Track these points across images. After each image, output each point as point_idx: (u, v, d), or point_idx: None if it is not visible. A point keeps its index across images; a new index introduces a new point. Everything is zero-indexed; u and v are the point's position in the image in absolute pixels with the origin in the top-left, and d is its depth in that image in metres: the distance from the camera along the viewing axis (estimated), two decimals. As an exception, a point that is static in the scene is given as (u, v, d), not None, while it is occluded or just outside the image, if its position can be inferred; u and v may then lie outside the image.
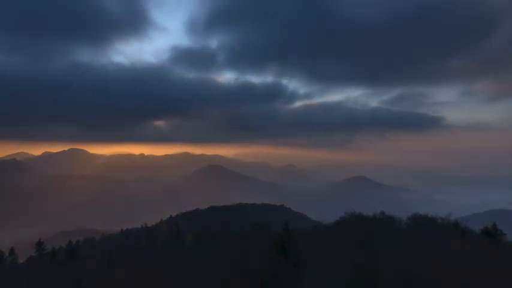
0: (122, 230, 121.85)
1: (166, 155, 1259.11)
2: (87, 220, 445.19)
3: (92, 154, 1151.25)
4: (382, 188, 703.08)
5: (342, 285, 31.45)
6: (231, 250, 41.91)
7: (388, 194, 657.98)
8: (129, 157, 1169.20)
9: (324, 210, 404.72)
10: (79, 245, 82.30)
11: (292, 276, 32.61)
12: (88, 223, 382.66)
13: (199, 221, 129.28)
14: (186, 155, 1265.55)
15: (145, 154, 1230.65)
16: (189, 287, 33.45)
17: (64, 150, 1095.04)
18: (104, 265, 46.52)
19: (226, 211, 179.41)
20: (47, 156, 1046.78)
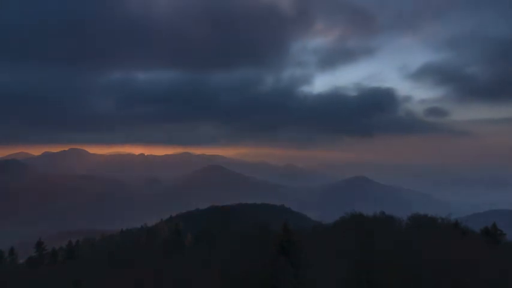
0: (121, 230, 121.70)
1: (166, 155, 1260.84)
2: (87, 220, 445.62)
3: (92, 154, 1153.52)
4: (382, 188, 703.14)
5: (342, 285, 31.46)
6: (231, 250, 41.90)
7: (388, 194, 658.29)
8: (129, 157, 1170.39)
9: (324, 210, 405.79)
10: (79, 245, 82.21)
11: (292, 276, 32.61)
12: (88, 223, 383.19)
13: (199, 221, 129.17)
14: (186, 155, 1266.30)
15: (145, 154, 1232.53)
16: (189, 287, 33.47)
17: (64, 150, 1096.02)
18: (104, 265, 46.50)
19: (226, 211, 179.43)
20: (47, 156, 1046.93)
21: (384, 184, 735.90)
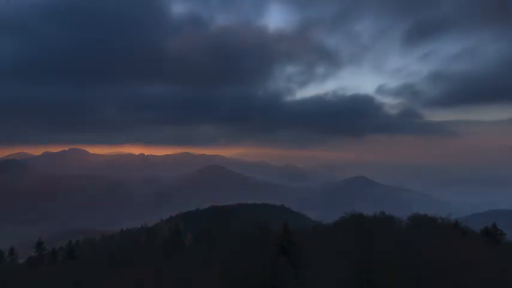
0: (121, 230, 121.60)
1: (166, 155, 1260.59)
2: (87, 220, 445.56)
3: (92, 154, 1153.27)
4: (382, 188, 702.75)
5: (342, 285, 31.45)
6: (231, 250, 41.88)
7: (388, 194, 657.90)
8: (129, 157, 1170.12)
9: (324, 210, 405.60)
10: (79, 245, 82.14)
11: (292, 276, 32.60)
12: (88, 223, 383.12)
13: (199, 221, 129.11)
14: (186, 155, 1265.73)
15: (145, 154, 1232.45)
16: (189, 287, 33.45)
17: (64, 150, 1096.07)
18: (104, 265, 46.48)
19: (226, 211, 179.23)
20: (47, 156, 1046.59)
21: (384, 184, 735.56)
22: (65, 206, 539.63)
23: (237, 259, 37.59)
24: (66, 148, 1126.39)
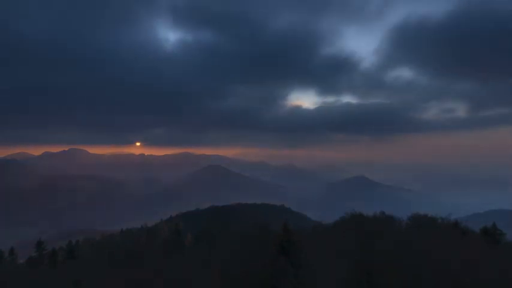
0: (121, 230, 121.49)
1: (166, 155, 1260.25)
2: (87, 220, 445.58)
3: (92, 154, 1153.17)
4: (382, 188, 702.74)
5: (342, 285, 31.44)
6: (231, 250, 41.86)
7: (388, 194, 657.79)
8: (129, 157, 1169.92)
9: (324, 210, 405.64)
10: (79, 245, 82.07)
11: (292, 276, 32.59)
12: (88, 223, 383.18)
13: (199, 221, 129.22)
14: (186, 155, 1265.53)
15: (146, 154, 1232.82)
16: (189, 287, 33.44)
17: (64, 150, 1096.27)
18: (104, 265, 46.45)
19: (226, 211, 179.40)
20: (47, 156, 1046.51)
21: (384, 184, 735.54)
22: (65, 206, 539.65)
23: (237, 259, 37.57)
24: (66, 148, 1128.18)
